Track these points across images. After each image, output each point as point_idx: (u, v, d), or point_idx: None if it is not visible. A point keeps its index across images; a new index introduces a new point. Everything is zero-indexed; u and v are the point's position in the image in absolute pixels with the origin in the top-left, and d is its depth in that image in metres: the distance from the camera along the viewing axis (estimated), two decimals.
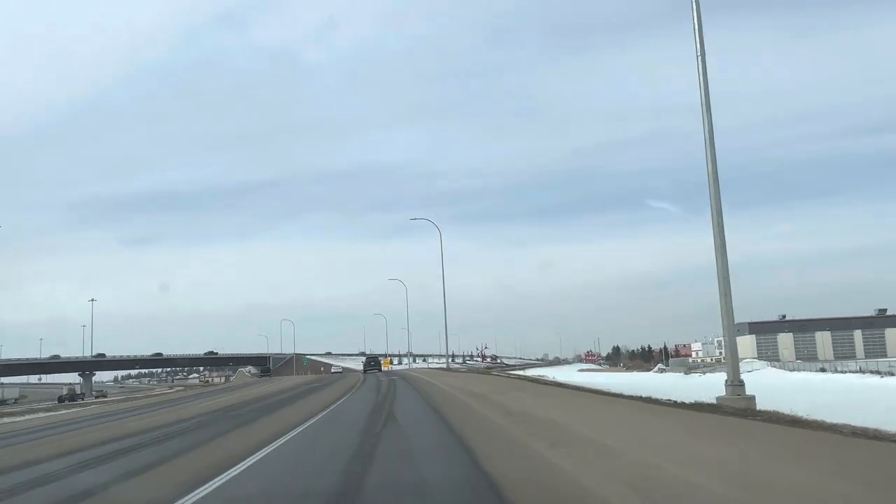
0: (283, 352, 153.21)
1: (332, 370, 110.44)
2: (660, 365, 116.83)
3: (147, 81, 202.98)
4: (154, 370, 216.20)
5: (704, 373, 76.82)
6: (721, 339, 20.04)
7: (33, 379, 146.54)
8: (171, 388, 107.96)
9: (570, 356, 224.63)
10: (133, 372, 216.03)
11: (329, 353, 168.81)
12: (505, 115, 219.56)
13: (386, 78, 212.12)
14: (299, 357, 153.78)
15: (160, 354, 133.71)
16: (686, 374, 79.48)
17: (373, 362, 77.02)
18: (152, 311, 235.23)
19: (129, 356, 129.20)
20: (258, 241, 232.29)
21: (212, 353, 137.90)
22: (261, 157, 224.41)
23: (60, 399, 72.66)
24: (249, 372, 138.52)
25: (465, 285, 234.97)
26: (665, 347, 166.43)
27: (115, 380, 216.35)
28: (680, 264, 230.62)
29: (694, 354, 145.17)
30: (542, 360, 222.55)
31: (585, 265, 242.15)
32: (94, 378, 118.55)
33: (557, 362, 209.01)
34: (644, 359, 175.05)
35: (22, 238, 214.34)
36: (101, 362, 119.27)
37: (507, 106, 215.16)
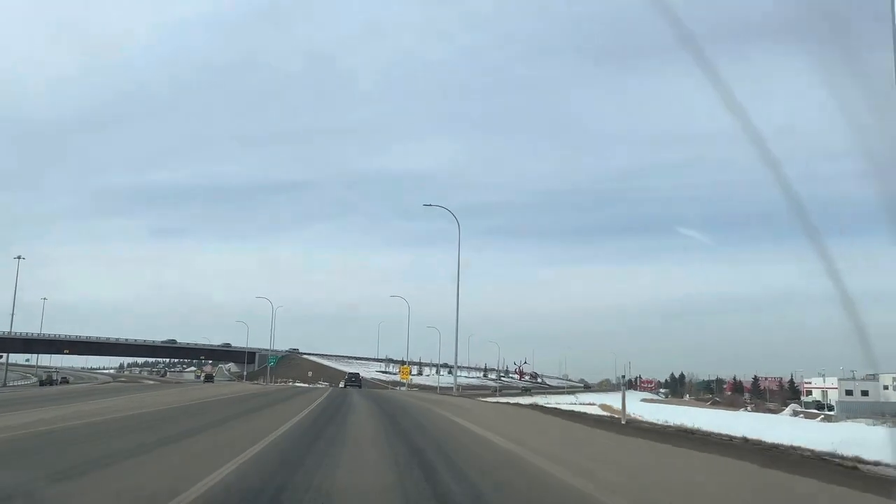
0: (278, 349, 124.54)
1: (307, 382, 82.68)
2: (793, 406, 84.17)
3: (186, 74, 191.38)
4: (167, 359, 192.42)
5: None
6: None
7: None
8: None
9: (610, 378, 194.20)
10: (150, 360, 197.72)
11: (332, 356, 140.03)
12: (540, 131, 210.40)
13: (423, 87, 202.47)
14: (294, 356, 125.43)
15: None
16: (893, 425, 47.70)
17: (353, 379, 75.63)
18: (164, 300, 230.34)
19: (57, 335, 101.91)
20: (284, 239, 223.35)
21: (171, 341, 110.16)
22: (295, 158, 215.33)
23: None
24: (229, 370, 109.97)
25: (496, 298, 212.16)
26: (791, 381, 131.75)
27: (121, 367, 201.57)
28: (753, 290, 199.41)
29: (815, 392, 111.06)
30: (583, 382, 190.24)
31: (626, 287, 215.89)
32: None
33: (607, 387, 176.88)
34: (728, 391, 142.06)
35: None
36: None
37: (542, 122, 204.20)
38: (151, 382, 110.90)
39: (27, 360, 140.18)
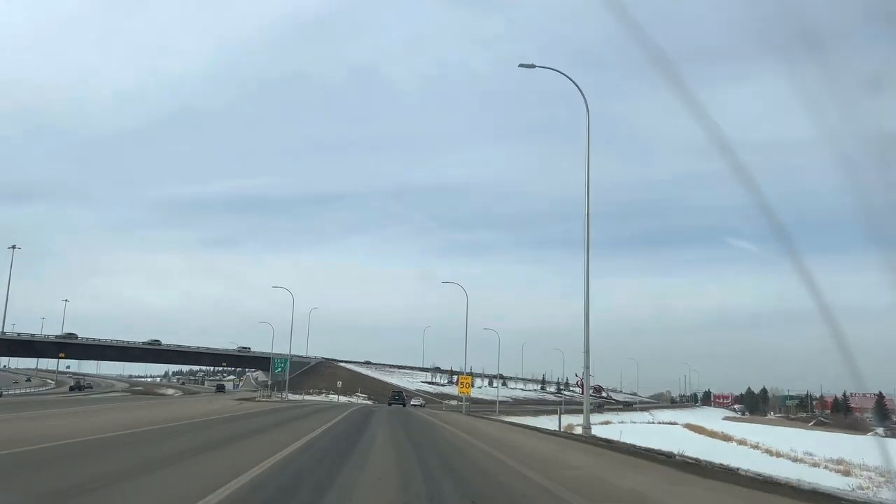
0: (311, 355, 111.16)
1: (338, 395, 69.20)
2: None
3: (237, 88, 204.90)
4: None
5: None
6: None
7: None
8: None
9: (672, 392, 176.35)
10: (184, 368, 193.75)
11: (373, 365, 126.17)
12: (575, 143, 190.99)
13: (466, 98, 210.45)
14: (329, 364, 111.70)
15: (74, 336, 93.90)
16: None
17: (397, 396, 67.96)
18: (208, 308, 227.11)
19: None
20: (330, 250, 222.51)
21: (155, 342, 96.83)
22: (339, 169, 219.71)
23: None
24: (256, 379, 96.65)
25: (547, 311, 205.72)
26: (881, 397, 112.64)
27: (165, 375, 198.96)
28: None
29: None
30: (655, 398, 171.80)
31: (690, 299, 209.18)
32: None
33: (680, 403, 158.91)
34: (820, 408, 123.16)
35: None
36: None
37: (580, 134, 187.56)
38: (172, 392, 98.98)
39: (67, 367, 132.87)
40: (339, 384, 74.98)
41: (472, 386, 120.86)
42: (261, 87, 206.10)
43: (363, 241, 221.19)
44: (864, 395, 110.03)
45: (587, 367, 20.25)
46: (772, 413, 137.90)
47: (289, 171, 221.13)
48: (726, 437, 59.84)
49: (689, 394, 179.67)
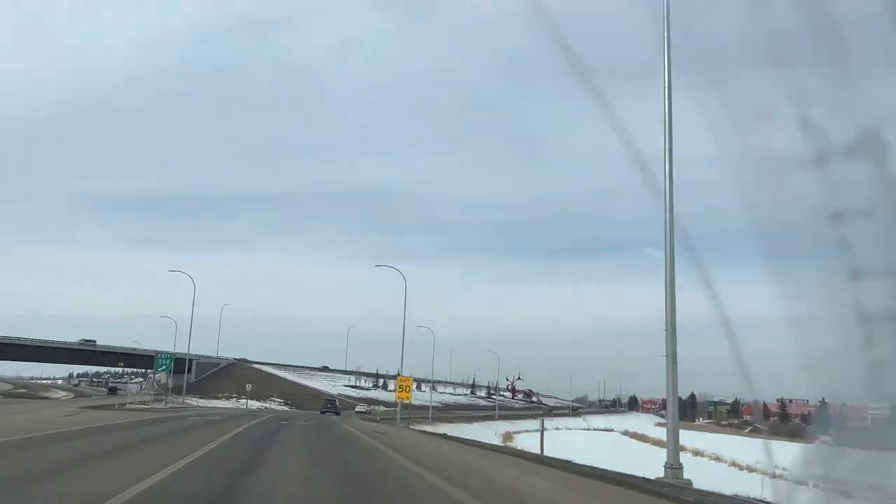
0: (223, 356, 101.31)
1: (250, 399, 61.60)
2: None
3: (159, 83, 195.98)
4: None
5: None
6: None
7: None
8: None
9: (590, 397, 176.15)
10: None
11: (291, 367, 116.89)
12: (503, 150, 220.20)
13: (396, 103, 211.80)
14: (242, 365, 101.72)
15: None
16: None
17: (329, 405, 61.12)
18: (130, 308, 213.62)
19: None
20: (256, 252, 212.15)
21: (89, 341, 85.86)
22: (267, 170, 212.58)
23: None
24: (158, 382, 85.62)
25: (475, 315, 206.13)
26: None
27: (70, 377, 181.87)
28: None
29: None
30: (579, 402, 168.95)
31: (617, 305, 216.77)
32: None
33: (612, 408, 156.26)
34: (747, 413, 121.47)
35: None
36: None
37: (507, 142, 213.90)
38: (61, 395, 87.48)
39: None
40: (249, 387, 65.80)
41: (386, 388, 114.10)
42: (183, 85, 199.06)
43: (289, 243, 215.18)
44: (804, 402, 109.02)
45: (672, 373, 12.64)
46: (700, 419, 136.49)
47: (212, 171, 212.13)
48: (697, 452, 56.60)
49: (609, 399, 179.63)
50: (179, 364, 67.34)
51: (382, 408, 67.05)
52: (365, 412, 65.63)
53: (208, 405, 67.73)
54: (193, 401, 72.54)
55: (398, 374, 41.51)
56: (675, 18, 12.56)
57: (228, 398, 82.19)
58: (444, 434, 27.63)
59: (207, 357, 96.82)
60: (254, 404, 74.40)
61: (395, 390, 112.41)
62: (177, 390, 71.99)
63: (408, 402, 37.60)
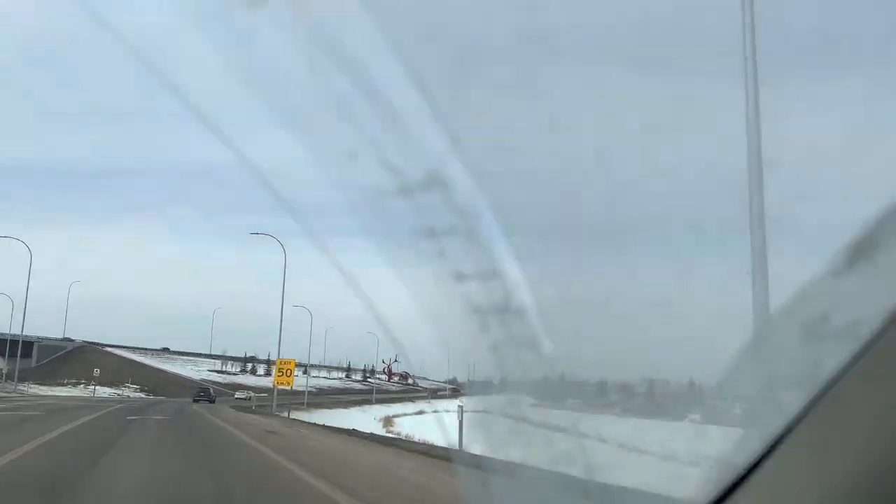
0: (71, 338, 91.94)
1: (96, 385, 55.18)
2: None
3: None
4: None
5: None
6: None
7: None
8: None
9: (459, 378, 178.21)
10: None
11: (149, 351, 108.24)
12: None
13: (267, 76, 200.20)
14: (92, 349, 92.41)
15: None
16: None
17: (203, 393, 57.91)
18: None
19: None
20: (106, 229, 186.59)
21: None
22: (122, 142, 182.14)
23: None
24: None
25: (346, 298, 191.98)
26: None
27: None
28: None
29: None
30: (449, 383, 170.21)
31: None
32: None
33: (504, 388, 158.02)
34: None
35: None
36: None
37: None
38: None
39: None
40: (97, 372, 58.86)
41: (255, 373, 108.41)
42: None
43: (149, 219, 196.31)
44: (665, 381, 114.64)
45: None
46: (569, 399, 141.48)
47: (60, 143, 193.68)
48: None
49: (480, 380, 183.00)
50: (17, 347, 59.38)
51: (253, 394, 62.74)
52: (245, 398, 60.54)
53: (50, 393, 60.30)
54: (32, 388, 64.53)
55: (268, 358, 37.76)
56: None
57: (76, 385, 74.06)
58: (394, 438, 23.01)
59: (52, 339, 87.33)
60: (105, 391, 67.22)
61: (264, 375, 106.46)
62: (9, 375, 63.55)
63: (289, 387, 34.06)
